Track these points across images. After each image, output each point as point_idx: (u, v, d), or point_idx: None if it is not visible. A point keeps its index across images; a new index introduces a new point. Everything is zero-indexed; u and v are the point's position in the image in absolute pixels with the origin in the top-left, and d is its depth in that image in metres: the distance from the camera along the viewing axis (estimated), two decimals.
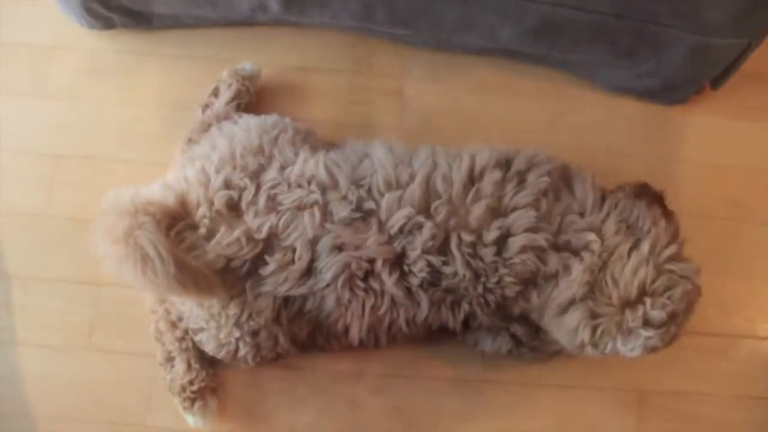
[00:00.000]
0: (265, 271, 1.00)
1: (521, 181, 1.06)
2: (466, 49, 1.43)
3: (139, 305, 1.23)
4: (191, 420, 1.18)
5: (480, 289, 1.05)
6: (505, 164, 1.08)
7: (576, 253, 1.03)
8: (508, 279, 1.03)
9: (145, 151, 1.35)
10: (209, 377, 1.19)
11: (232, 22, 1.41)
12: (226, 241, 0.99)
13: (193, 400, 1.17)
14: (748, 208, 1.40)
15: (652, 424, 1.27)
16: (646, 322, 1.00)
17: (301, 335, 1.09)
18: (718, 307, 1.33)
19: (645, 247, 1.02)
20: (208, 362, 1.19)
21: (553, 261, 1.03)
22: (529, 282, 1.05)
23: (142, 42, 1.43)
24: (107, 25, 1.40)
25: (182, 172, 1.08)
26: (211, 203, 1.01)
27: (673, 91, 1.40)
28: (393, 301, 1.04)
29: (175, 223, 0.99)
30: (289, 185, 1.04)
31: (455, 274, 1.03)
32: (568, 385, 1.27)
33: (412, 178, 1.05)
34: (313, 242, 1.01)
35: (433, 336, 1.15)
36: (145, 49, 1.43)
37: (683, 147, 1.43)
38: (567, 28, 1.24)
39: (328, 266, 1.01)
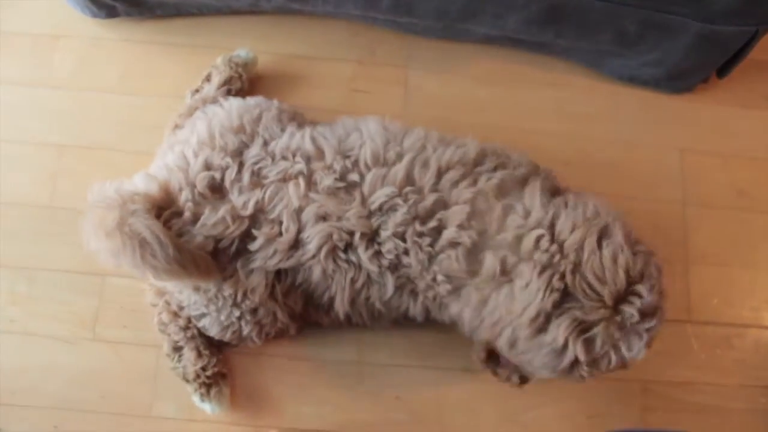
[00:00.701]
0: (254, 246, 1.01)
1: (475, 181, 1.03)
2: (471, 38, 1.42)
3: (143, 296, 1.23)
4: (208, 407, 1.17)
5: (422, 284, 1.04)
6: (479, 162, 1.06)
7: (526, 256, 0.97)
8: (440, 277, 1.01)
9: (148, 140, 1.33)
10: (220, 363, 1.19)
11: (236, 10, 1.41)
12: (211, 222, 0.99)
13: (209, 386, 1.17)
14: (754, 198, 1.39)
15: (656, 413, 1.27)
16: (643, 314, 0.93)
17: (297, 309, 1.10)
18: (723, 296, 1.33)
19: (617, 232, 0.97)
20: (216, 348, 1.20)
21: (489, 259, 0.97)
22: (463, 286, 1.02)
23: (146, 31, 1.43)
24: (110, 13, 1.39)
25: (163, 160, 1.08)
26: (193, 187, 1.01)
27: (679, 79, 1.40)
28: (369, 277, 1.04)
29: (162, 212, 0.99)
30: (274, 158, 1.04)
31: (410, 264, 1.02)
32: None
33: (399, 157, 1.04)
34: (299, 212, 1.01)
35: (405, 322, 1.14)
36: (149, 38, 1.42)
37: (689, 136, 1.42)
38: (573, 15, 1.23)
39: (312, 236, 1.01)
